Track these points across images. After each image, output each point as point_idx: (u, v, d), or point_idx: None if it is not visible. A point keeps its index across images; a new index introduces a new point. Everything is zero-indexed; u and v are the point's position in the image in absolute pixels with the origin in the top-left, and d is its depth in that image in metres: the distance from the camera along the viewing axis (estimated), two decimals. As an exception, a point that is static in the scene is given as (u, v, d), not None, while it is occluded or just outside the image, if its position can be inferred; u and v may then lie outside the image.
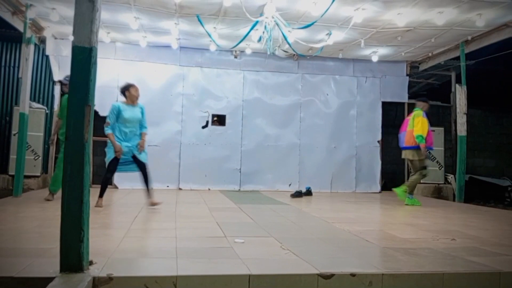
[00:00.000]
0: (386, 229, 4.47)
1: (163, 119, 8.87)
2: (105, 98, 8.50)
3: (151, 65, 8.88)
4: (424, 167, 7.04)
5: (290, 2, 6.23)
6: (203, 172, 8.95)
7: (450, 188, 8.89)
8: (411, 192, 7.07)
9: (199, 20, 6.70)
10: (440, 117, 10.22)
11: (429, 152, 7.07)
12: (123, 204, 6.26)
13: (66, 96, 6.37)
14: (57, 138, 6.29)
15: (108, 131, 5.29)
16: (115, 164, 5.36)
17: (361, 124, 9.58)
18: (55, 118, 8.37)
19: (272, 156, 9.23)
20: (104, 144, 8.76)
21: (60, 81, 6.62)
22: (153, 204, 5.52)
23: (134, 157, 5.45)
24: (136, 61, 8.82)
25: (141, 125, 5.51)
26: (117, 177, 8.60)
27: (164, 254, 2.95)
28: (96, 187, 8.17)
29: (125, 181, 8.59)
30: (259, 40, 6.79)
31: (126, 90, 5.46)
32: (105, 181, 5.53)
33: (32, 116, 7.34)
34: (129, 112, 5.36)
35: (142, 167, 5.47)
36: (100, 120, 8.47)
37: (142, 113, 5.50)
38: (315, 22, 6.42)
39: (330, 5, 5.89)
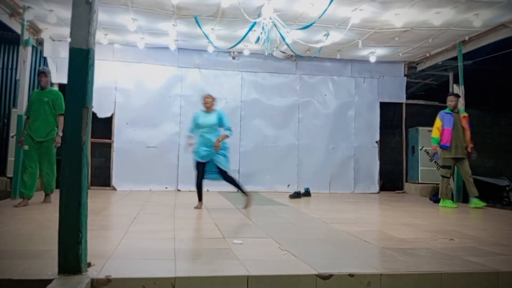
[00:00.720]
0: (384, 230, 4.47)
1: (161, 121, 8.87)
2: (103, 99, 8.51)
3: (149, 67, 8.87)
4: (441, 167, 7.03)
5: (287, 3, 6.24)
6: (201, 174, 8.93)
7: (448, 188, 8.88)
8: (442, 195, 6.98)
9: (197, 22, 6.70)
10: (438, 117, 10.22)
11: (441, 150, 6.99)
12: (121, 206, 6.25)
13: (35, 91, 5.97)
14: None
15: (188, 133, 6.16)
16: (198, 168, 5.79)
17: (359, 124, 9.59)
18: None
19: (270, 157, 9.23)
20: (102, 145, 8.85)
21: (40, 71, 5.81)
22: (247, 206, 5.84)
23: (217, 167, 5.72)
24: (134, 63, 8.82)
25: (224, 128, 5.81)
26: (116, 179, 8.62)
27: (163, 256, 2.95)
28: (94, 189, 8.23)
29: (124, 182, 8.60)
30: (257, 41, 6.80)
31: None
32: (196, 186, 5.92)
33: (30, 118, 7.31)
34: (202, 118, 5.83)
35: (223, 175, 5.73)
36: (98, 122, 8.51)
37: (219, 118, 5.80)
38: (313, 23, 6.43)
39: (328, 6, 5.89)
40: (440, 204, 6.95)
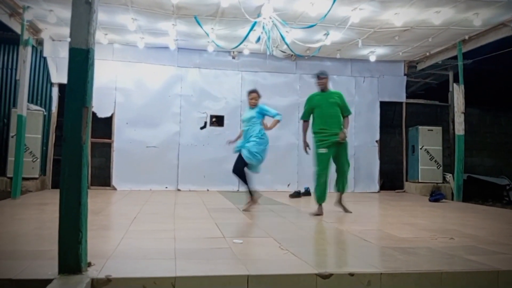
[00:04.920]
0: (384, 229, 4.47)
1: (161, 120, 8.87)
2: (103, 99, 8.51)
3: (149, 66, 8.87)
4: None
5: (287, 3, 6.24)
6: (201, 173, 8.94)
7: (448, 187, 8.89)
8: None
9: (197, 21, 6.69)
10: (438, 116, 10.24)
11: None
12: (121, 206, 6.25)
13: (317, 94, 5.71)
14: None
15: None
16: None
17: (359, 124, 9.58)
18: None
19: (270, 157, 9.06)
20: (102, 145, 8.86)
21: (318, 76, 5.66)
22: (247, 208, 5.62)
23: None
24: (134, 63, 8.82)
25: (272, 116, 5.81)
26: (116, 179, 8.62)
27: (163, 255, 2.95)
28: (94, 189, 8.23)
29: (124, 182, 8.60)
30: (258, 40, 6.80)
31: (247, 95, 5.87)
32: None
33: (30, 118, 7.33)
34: (245, 114, 5.93)
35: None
36: (98, 122, 8.52)
37: (260, 111, 5.75)
38: (315, 24, 6.44)
39: (331, 7, 5.89)
40: None
